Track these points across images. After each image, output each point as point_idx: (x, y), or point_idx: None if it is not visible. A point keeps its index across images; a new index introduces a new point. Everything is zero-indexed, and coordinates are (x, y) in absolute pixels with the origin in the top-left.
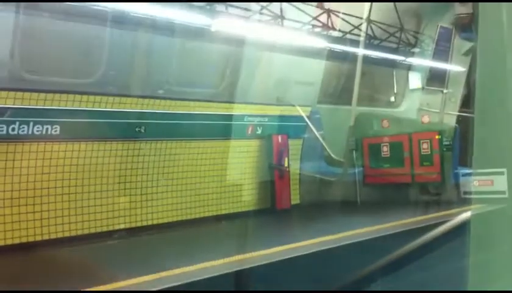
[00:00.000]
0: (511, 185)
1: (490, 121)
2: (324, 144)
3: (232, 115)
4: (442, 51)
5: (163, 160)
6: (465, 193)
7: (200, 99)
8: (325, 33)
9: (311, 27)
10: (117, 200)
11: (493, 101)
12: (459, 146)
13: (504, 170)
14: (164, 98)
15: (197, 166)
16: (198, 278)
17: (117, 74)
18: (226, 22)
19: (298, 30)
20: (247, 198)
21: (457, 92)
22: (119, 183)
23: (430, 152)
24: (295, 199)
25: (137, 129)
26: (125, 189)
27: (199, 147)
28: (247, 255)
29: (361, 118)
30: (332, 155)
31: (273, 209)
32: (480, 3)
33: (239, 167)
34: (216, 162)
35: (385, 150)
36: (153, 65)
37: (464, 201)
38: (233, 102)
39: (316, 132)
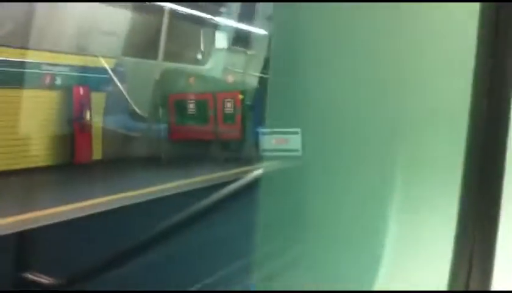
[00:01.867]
0: (303, 144)
1: (283, 81)
2: (129, 98)
3: (25, 62)
4: (247, 13)
5: None
6: (263, 150)
7: None
8: None
9: None
10: None
11: (286, 63)
12: (261, 105)
13: (298, 129)
14: None
15: None
16: None
17: None
18: None
19: None
20: (42, 152)
21: (261, 53)
22: None
23: (233, 111)
24: (96, 155)
25: None
26: None
27: None
28: (31, 214)
29: (167, 73)
30: (137, 110)
31: (72, 164)
32: None
33: (33, 119)
34: (6, 112)
35: (191, 107)
36: None
37: (261, 158)
38: (25, 48)
39: (120, 86)
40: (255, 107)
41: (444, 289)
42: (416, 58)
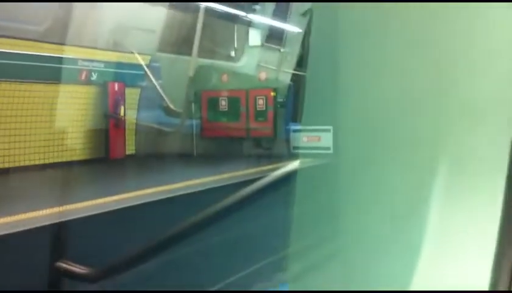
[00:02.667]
0: (335, 142)
1: (320, 80)
2: (163, 94)
3: (62, 57)
4: (281, 10)
5: None
6: (295, 148)
7: (23, 38)
8: None
9: None
10: None
11: (324, 62)
12: (293, 103)
13: (330, 127)
14: None
15: (19, 110)
16: (10, 231)
17: None
18: None
19: None
20: (78, 147)
21: (294, 51)
22: None
23: (264, 109)
24: (130, 149)
25: None
26: None
27: (20, 90)
28: (68, 206)
29: (201, 70)
30: (170, 106)
31: (106, 159)
32: None
33: (70, 113)
34: (43, 107)
35: (223, 104)
36: None
37: (293, 156)
38: (63, 44)
39: (154, 82)
40: (286, 104)
41: (486, 289)
42: (463, 55)
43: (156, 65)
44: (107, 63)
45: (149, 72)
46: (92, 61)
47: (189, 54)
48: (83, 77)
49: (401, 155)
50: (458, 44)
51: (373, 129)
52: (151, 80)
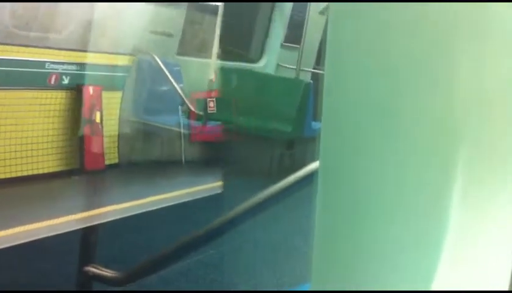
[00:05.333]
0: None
1: (337, 78)
2: (184, 97)
3: (27, 60)
4: (300, 9)
5: None
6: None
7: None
8: None
9: None
10: None
11: (344, 60)
12: (313, 101)
13: None
14: None
15: None
16: None
17: None
18: None
19: None
20: (48, 158)
21: (313, 49)
22: None
23: None
24: (112, 159)
25: None
26: None
27: None
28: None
29: (222, 72)
30: (192, 108)
31: (80, 170)
32: None
33: (37, 122)
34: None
35: (211, 106)
36: None
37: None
38: (29, 46)
39: (175, 85)
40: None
41: (506, 288)
42: (479, 40)
43: (177, 68)
44: (81, 65)
45: (168, 74)
46: (62, 63)
47: (208, 56)
48: (53, 81)
49: (422, 147)
50: (473, 29)
51: (390, 122)
52: (138, 82)
